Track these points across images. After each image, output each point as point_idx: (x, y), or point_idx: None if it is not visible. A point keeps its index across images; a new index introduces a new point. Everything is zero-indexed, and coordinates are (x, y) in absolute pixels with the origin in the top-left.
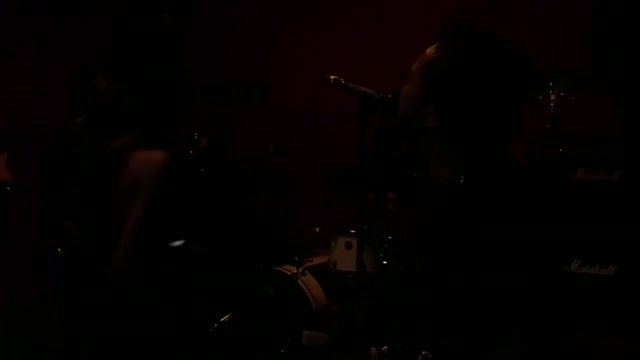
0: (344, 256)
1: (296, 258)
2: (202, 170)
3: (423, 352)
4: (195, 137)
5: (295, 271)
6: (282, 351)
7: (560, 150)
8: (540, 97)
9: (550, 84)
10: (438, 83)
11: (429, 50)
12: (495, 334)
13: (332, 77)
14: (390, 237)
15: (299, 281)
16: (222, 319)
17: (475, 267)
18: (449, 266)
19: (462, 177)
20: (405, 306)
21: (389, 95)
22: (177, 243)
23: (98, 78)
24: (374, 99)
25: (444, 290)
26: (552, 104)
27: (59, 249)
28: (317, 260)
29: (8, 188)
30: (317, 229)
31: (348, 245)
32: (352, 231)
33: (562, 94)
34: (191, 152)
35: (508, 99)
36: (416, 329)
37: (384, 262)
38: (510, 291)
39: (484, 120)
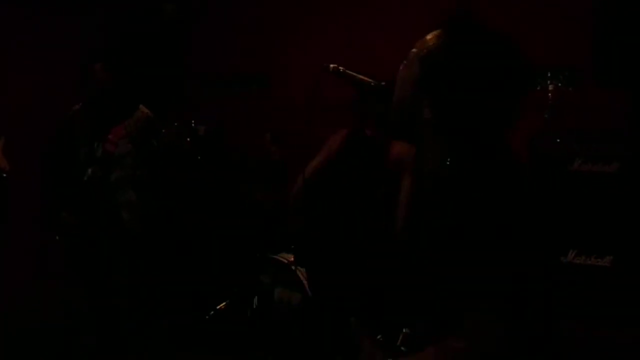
0: None
1: (293, 246)
2: (199, 157)
3: (404, 330)
4: (193, 125)
5: (291, 259)
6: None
7: (558, 141)
8: (539, 88)
9: (549, 75)
10: (436, 74)
11: (430, 37)
12: (468, 308)
13: (331, 65)
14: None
15: (294, 269)
16: (218, 307)
17: (464, 248)
18: (441, 248)
19: (449, 160)
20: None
21: (383, 83)
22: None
23: (96, 65)
24: (370, 87)
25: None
26: (550, 94)
27: (57, 237)
28: None
29: (4, 175)
30: None
31: None
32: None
33: (560, 85)
34: (188, 139)
35: (506, 94)
36: (405, 309)
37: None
38: (496, 270)
39: (480, 115)
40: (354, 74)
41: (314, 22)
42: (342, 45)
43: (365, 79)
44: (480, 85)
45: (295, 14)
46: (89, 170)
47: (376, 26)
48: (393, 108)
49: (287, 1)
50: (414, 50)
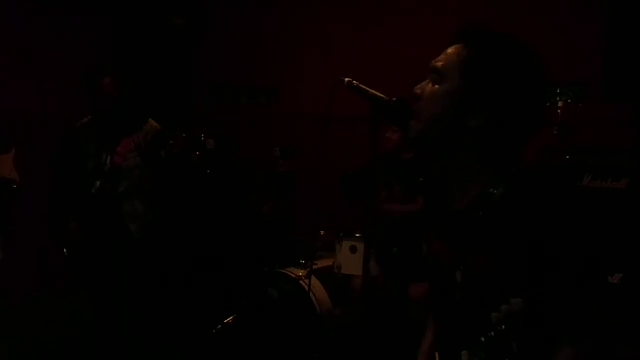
0: (349, 260)
1: (302, 261)
2: (208, 171)
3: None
4: (202, 139)
5: (300, 274)
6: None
7: (567, 157)
8: (548, 104)
9: (558, 92)
10: (485, 80)
11: (456, 50)
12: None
13: (346, 79)
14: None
15: (302, 284)
16: (226, 321)
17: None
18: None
19: (501, 188)
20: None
21: (394, 99)
22: None
23: (104, 79)
24: (382, 103)
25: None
26: (559, 111)
27: (64, 250)
28: (322, 264)
29: (15, 186)
30: (323, 232)
31: (353, 249)
32: (358, 235)
33: (569, 101)
34: (197, 153)
35: (541, 95)
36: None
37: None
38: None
39: (525, 115)
40: (368, 89)
41: (323, 36)
42: (351, 59)
43: (378, 94)
44: (524, 90)
45: (305, 28)
46: (97, 183)
47: (386, 41)
48: (425, 125)
49: (297, 15)
50: (441, 65)
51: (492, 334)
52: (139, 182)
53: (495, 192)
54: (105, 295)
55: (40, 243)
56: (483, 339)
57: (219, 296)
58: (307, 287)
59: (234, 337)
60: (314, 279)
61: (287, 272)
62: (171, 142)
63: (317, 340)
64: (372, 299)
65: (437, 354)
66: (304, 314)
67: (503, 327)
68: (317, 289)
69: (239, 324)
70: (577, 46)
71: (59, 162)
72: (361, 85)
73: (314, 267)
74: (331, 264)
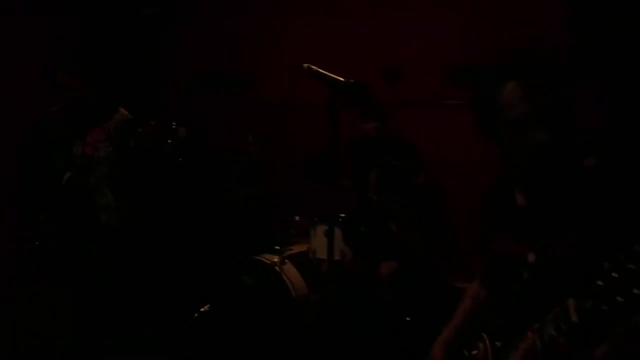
0: (323, 244)
1: (277, 247)
2: (180, 159)
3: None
4: (174, 126)
5: (275, 260)
6: None
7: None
8: None
9: None
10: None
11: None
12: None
13: (305, 65)
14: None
15: (278, 270)
16: (202, 309)
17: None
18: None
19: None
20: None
21: (351, 81)
22: None
23: (58, 75)
24: (339, 85)
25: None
26: None
27: (36, 242)
28: (297, 249)
29: None
30: (297, 218)
31: (327, 233)
32: (333, 219)
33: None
34: (169, 141)
35: None
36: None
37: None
38: None
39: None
40: (326, 72)
41: (296, 25)
42: (323, 47)
43: (337, 77)
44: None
45: (278, 17)
46: (68, 174)
47: (359, 28)
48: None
49: (271, 3)
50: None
51: (600, 282)
52: (110, 172)
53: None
54: (79, 286)
55: (14, 236)
56: (596, 285)
57: (194, 284)
58: (282, 273)
59: (210, 325)
60: (289, 265)
61: (261, 259)
62: (140, 129)
63: (294, 325)
64: (342, 280)
65: (484, 336)
66: (280, 300)
67: (615, 274)
68: (293, 275)
69: (215, 311)
70: (544, 24)
71: (27, 152)
72: (319, 70)
73: (289, 252)
74: (306, 249)
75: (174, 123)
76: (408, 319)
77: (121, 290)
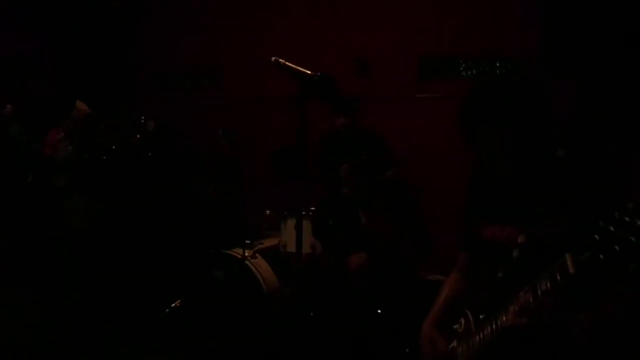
0: (294, 238)
1: (247, 241)
2: (149, 154)
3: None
4: (142, 121)
5: (245, 254)
6: None
7: None
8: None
9: (497, 65)
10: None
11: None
12: None
13: (273, 58)
14: None
15: (248, 263)
16: (173, 304)
17: None
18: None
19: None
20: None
21: (318, 74)
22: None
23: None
24: (307, 78)
25: None
26: None
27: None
28: (268, 243)
29: None
30: (268, 212)
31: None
32: (303, 213)
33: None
34: (138, 135)
35: None
36: None
37: None
38: None
39: None
40: (294, 66)
41: (264, 19)
42: (292, 42)
43: (303, 70)
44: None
45: (246, 10)
46: (31, 176)
47: (329, 22)
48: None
49: None
50: None
51: (597, 236)
52: (76, 175)
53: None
54: (51, 287)
55: None
56: (593, 239)
57: (165, 280)
58: (252, 267)
59: (182, 320)
60: (260, 259)
61: (232, 253)
62: (102, 126)
63: (264, 319)
64: (312, 273)
65: (467, 312)
66: (251, 294)
67: (611, 227)
68: (263, 268)
69: (186, 307)
70: (515, 16)
71: None
72: (287, 63)
73: (260, 246)
74: (277, 243)
75: (142, 117)
76: (379, 311)
77: (92, 289)
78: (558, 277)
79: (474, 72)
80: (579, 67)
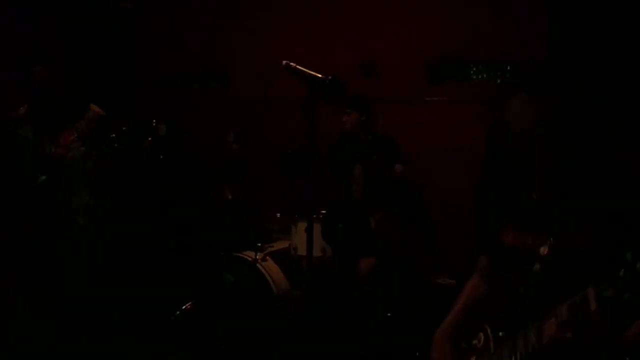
0: (304, 241)
1: (258, 244)
2: (161, 157)
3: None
4: (154, 124)
5: (256, 257)
6: None
7: None
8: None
9: (508, 69)
10: None
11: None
12: None
13: (283, 61)
14: None
15: (259, 266)
16: (183, 307)
17: None
18: None
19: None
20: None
21: (329, 77)
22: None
23: (34, 67)
24: (317, 82)
25: None
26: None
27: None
28: (278, 246)
29: None
30: (278, 215)
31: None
32: (313, 216)
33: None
34: (150, 139)
35: None
36: None
37: None
38: None
39: None
40: (304, 69)
41: (273, 20)
42: (301, 44)
43: (314, 74)
44: None
45: (255, 12)
46: (41, 177)
47: (335, 23)
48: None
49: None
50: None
51: (622, 272)
52: (86, 174)
53: None
54: (57, 288)
55: None
56: (618, 275)
57: (176, 283)
58: (263, 270)
59: (192, 322)
60: (270, 261)
61: (243, 256)
62: (124, 129)
63: (274, 321)
64: (321, 276)
65: (486, 326)
66: (261, 297)
67: (639, 265)
68: (274, 271)
69: (197, 309)
70: (523, 19)
71: None
72: (298, 67)
73: (270, 249)
74: (287, 245)
75: (154, 121)
76: (389, 314)
77: (100, 290)
78: (579, 314)
79: (484, 75)
80: (586, 70)
